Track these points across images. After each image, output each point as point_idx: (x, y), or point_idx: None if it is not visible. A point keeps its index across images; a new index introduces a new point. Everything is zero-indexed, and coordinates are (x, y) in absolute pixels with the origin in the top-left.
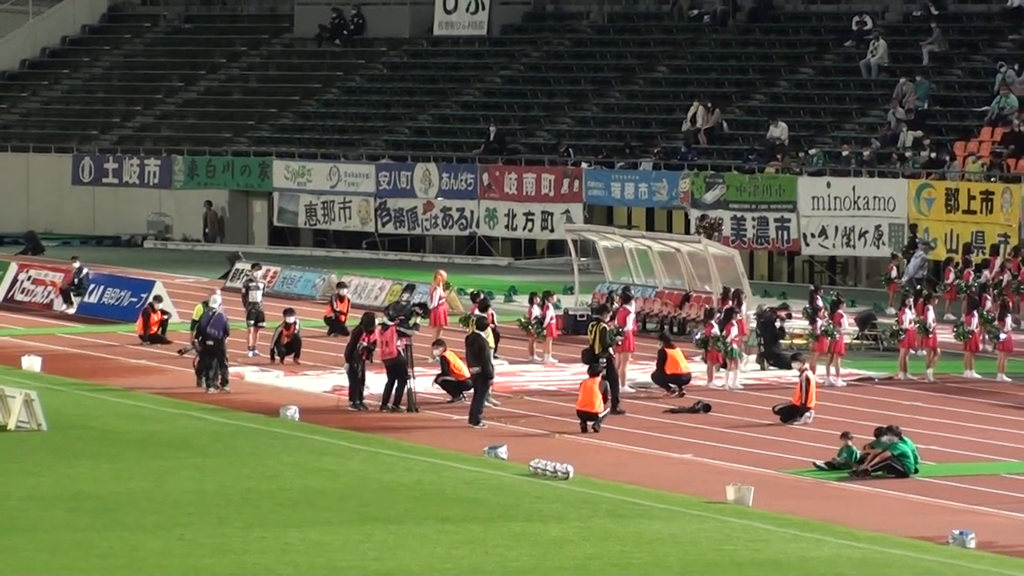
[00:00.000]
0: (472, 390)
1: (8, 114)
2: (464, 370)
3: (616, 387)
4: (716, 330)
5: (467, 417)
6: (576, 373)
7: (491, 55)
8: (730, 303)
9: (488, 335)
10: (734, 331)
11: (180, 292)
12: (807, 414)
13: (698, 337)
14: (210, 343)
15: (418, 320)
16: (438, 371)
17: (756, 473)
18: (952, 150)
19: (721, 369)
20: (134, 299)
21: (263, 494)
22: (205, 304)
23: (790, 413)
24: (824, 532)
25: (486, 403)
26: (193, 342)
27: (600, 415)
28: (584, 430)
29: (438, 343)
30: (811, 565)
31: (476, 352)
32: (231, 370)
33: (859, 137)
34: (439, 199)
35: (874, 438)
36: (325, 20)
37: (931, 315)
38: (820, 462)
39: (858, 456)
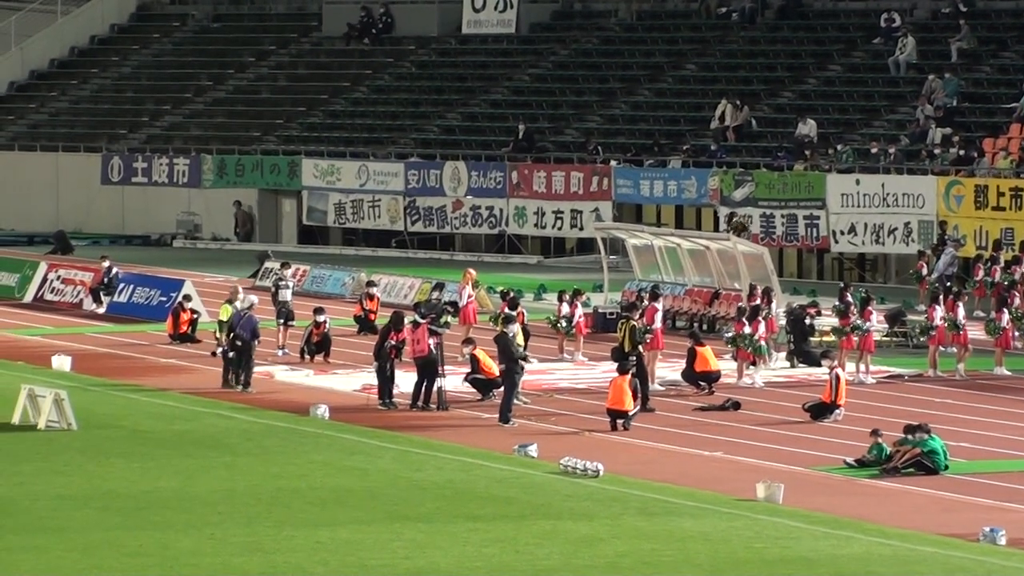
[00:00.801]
0: (502, 388)
1: (37, 113)
2: (494, 368)
3: (646, 385)
4: (746, 328)
5: (497, 415)
6: (606, 371)
7: (519, 53)
8: (756, 300)
9: (518, 333)
10: (761, 328)
11: (210, 291)
12: (837, 411)
13: (728, 335)
14: (238, 343)
15: (448, 318)
16: (468, 369)
17: (786, 470)
18: (981, 147)
19: (751, 367)
20: (163, 298)
21: (293, 493)
22: (230, 302)
23: (820, 410)
24: (854, 529)
25: (516, 401)
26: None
27: (630, 413)
28: (614, 428)
29: (468, 341)
30: (841, 562)
31: (504, 350)
32: (261, 369)
33: (888, 134)
34: (468, 197)
35: (903, 435)
36: (353, 19)
37: (961, 312)
38: (850, 459)
39: (888, 453)
